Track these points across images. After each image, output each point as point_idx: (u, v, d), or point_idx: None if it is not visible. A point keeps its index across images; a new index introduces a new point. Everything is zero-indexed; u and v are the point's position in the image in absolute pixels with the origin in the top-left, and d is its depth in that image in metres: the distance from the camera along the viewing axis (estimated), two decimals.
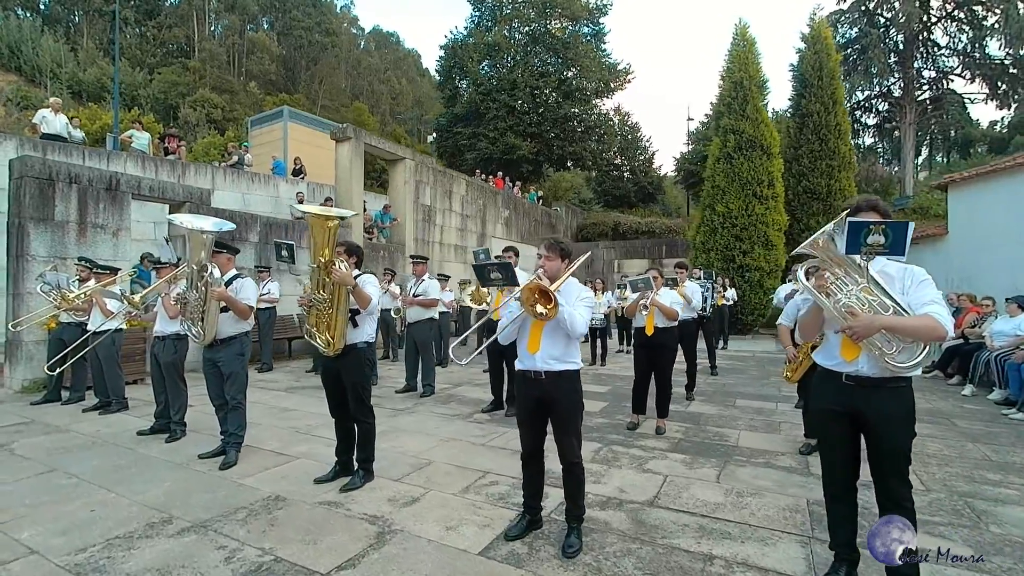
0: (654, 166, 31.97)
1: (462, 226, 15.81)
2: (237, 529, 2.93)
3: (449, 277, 10.69)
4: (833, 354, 2.38)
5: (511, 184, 20.17)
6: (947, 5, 33.85)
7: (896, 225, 2.20)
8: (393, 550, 2.70)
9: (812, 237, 2.36)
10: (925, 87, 35.07)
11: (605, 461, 4.10)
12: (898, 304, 2.24)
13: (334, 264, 3.35)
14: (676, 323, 4.98)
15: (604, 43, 23.67)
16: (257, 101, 38.96)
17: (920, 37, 34.28)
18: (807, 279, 2.38)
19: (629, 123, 31.14)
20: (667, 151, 73.90)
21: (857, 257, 2.29)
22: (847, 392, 2.31)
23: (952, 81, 35.26)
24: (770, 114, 15.88)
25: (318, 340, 3.52)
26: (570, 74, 22.60)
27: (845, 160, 14.92)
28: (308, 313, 3.54)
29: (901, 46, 34.94)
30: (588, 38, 23.36)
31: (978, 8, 33.23)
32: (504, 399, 5.73)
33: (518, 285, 2.73)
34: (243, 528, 2.94)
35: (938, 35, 34.86)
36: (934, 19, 34.16)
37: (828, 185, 14.69)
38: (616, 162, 28.49)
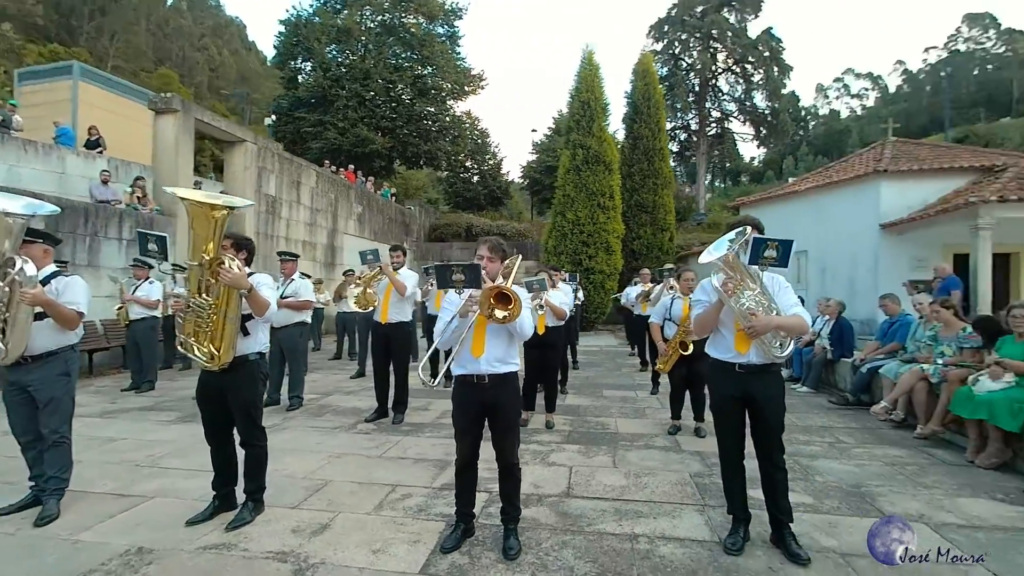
0: (502, 172, 33.32)
1: (311, 220, 14.54)
2: None
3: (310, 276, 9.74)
4: (728, 348, 2.79)
5: (363, 179, 19.18)
6: (728, 60, 41.76)
7: (785, 243, 2.69)
8: None
9: (721, 252, 2.71)
10: (713, 124, 42.79)
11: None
12: (778, 307, 2.73)
13: (223, 263, 2.83)
14: (564, 322, 5.29)
15: (459, 46, 23.89)
16: (14, 48, 30.67)
17: (710, 83, 41.80)
18: (717, 284, 2.75)
19: (479, 128, 31.95)
20: (512, 159, 77.36)
21: (756, 268, 2.74)
22: (740, 379, 2.74)
23: (731, 122, 43.62)
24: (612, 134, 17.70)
25: (197, 353, 2.94)
26: (426, 72, 22.32)
27: (667, 180, 17.41)
28: (184, 320, 2.93)
29: (697, 88, 42.02)
30: (443, 39, 23.33)
31: (748, 66, 41.58)
32: (390, 406, 5.44)
33: (480, 289, 2.63)
34: None
35: (722, 83, 42.88)
36: (720, 70, 41.86)
37: (654, 200, 16.98)
38: (467, 164, 28.95)
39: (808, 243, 12.40)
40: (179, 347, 3.02)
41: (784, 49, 38.89)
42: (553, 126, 35.22)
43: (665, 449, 4.44)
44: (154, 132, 10.14)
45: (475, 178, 31.11)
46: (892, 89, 72.47)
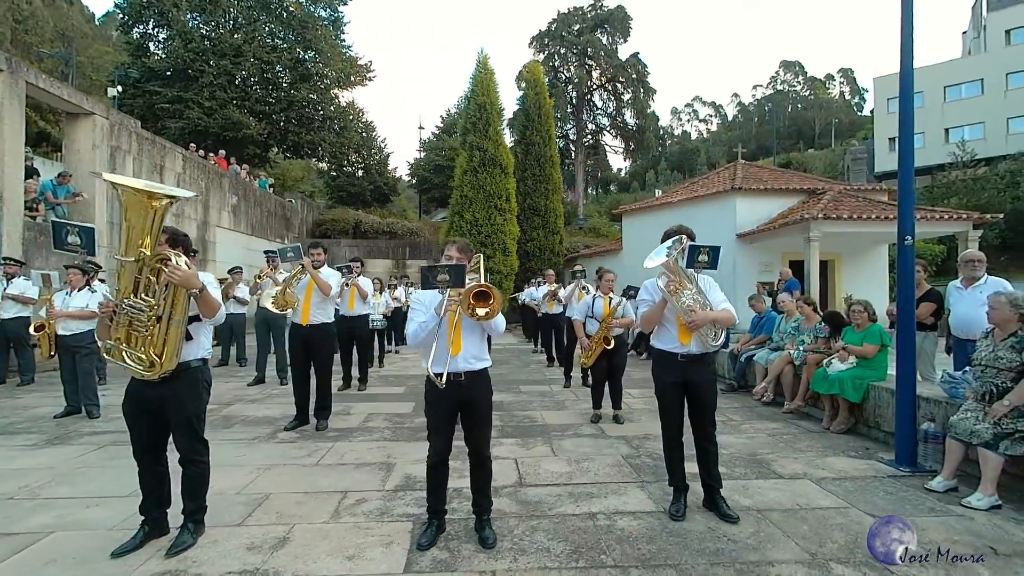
0: (389, 168, 32.34)
1: (177, 211, 12.83)
2: None
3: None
4: (672, 340, 3.20)
5: (237, 167, 17.36)
6: (601, 78, 45.25)
7: (715, 249, 3.18)
8: None
9: (662, 258, 3.10)
10: (589, 136, 46.05)
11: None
12: (711, 303, 3.21)
13: (169, 260, 2.53)
14: None
15: (343, 32, 22.69)
16: None
17: (586, 97, 44.94)
18: (661, 285, 3.14)
19: (363, 120, 30.67)
20: (398, 155, 75.37)
21: (692, 271, 3.18)
22: (682, 367, 3.16)
23: (604, 135, 47.34)
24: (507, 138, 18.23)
25: (130, 360, 2.58)
26: (307, 57, 20.83)
27: (556, 185, 18.43)
28: (113, 324, 2.56)
29: (575, 101, 44.90)
30: (325, 22, 21.99)
31: (619, 85, 45.44)
32: (312, 412, 5.14)
33: (462, 288, 2.67)
34: None
35: (597, 99, 46.36)
36: (595, 86, 45.18)
37: (546, 205, 17.87)
38: (352, 158, 27.62)
39: None
40: (104, 354, 2.62)
41: (649, 73, 43.10)
42: (441, 124, 35.18)
43: (593, 436, 4.83)
44: None
45: (360, 172, 29.79)
46: (730, 117, 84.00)
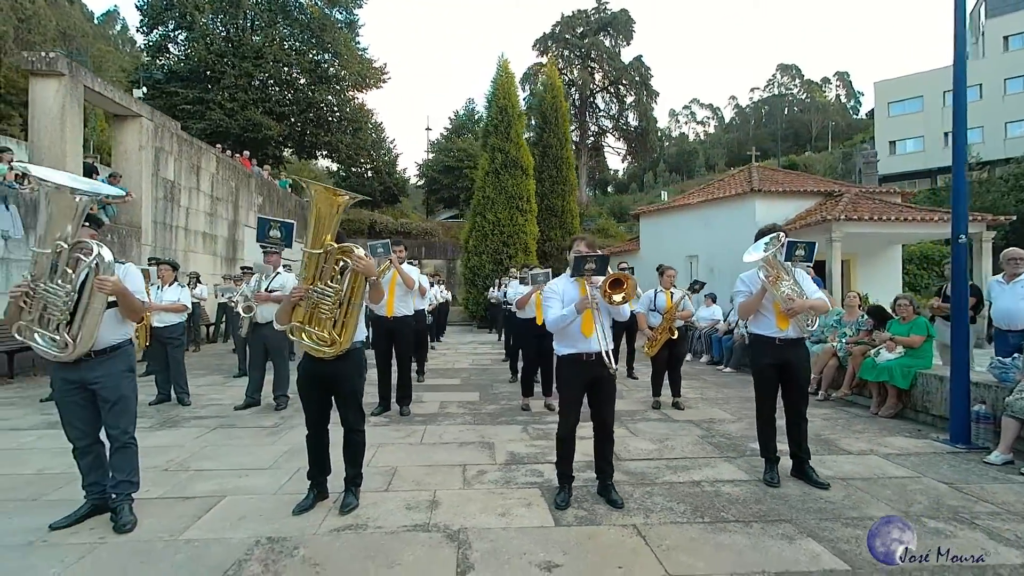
0: (398, 168, 32.66)
1: (211, 210, 13.16)
2: None
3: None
4: (770, 326, 3.55)
5: (259, 167, 17.64)
6: (604, 80, 45.74)
7: (811, 245, 3.57)
8: (485, 546, 2.64)
9: (761, 253, 3.49)
10: (591, 138, 46.48)
11: (545, 436, 4.61)
12: (806, 292, 3.59)
13: (353, 251, 2.88)
14: None
15: (359, 35, 23.01)
16: None
17: (589, 100, 45.40)
18: (763, 276, 3.52)
19: (373, 121, 30.98)
20: (406, 155, 75.38)
21: (789, 264, 3.56)
22: (779, 350, 3.53)
23: (606, 137, 47.81)
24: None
25: (311, 339, 2.93)
26: (325, 59, 21.14)
27: (572, 186, 18.82)
28: (300, 306, 2.91)
29: (578, 103, 45.30)
30: (342, 25, 22.31)
31: (622, 87, 45.91)
32: (394, 399, 5.48)
33: (602, 276, 3.04)
34: None
35: (599, 101, 46.82)
36: (598, 88, 45.64)
37: (562, 205, 18.25)
38: (362, 159, 27.92)
39: (698, 248, 14.48)
40: (289, 334, 2.98)
41: (653, 76, 43.63)
42: (450, 126, 35.55)
43: (663, 420, 5.21)
44: (31, 98, 8.50)
45: (369, 173, 30.08)
46: (727, 119, 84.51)
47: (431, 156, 33.89)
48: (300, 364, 3.10)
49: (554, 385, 5.88)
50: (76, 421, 2.87)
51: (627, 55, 44.95)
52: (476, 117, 34.97)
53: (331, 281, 2.91)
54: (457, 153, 31.18)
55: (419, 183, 34.69)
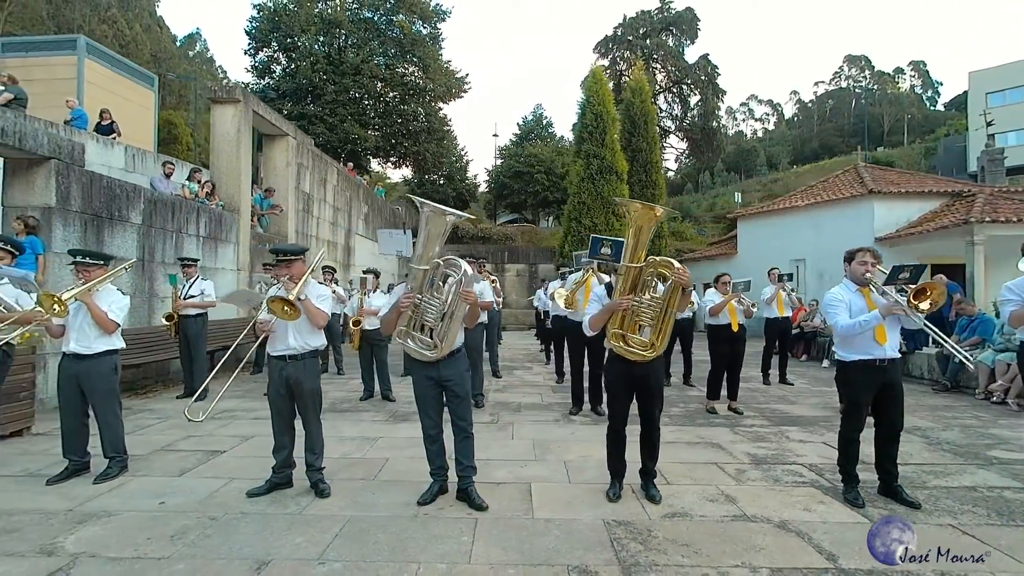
0: (468, 173, 33.51)
1: (334, 220, 14.08)
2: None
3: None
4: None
5: (359, 177, 18.66)
6: (667, 80, 45.08)
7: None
8: (829, 538, 2.87)
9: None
10: None
11: (762, 439, 4.79)
12: None
13: (673, 265, 3.20)
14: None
15: (441, 48, 23.87)
16: None
17: (651, 100, 44.83)
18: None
19: (448, 128, 31.91)
20: (476, 162, 76.79)
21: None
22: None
23: (668, 138, 47.09)
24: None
25: (631, 344, 3.27)
26: (415, 73, 22.09)
27: (661, 190, 18.79)
28: (634, 316, 3.24)
29: None
30: (427, 39, 23.22)
31: (685, 87, 45.11)
32: (589, 397, 5.81)
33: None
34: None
35: (661, 102, 46.20)
36: (659, 89, 45.03)
37: None
38: (442, 168, 28.85)
39: (806, 252, 14.17)
40: (611, 341, 3.32)
41: (720, 75, 42.67)
42: (519, 131, 36.05)
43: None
44: (212, 123, 9.48)
45: (441, 180, 30.99)
46: (787, 115, 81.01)
47: (500, 162, 34.51)
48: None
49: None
50: (432, 412, 3.33)
51: (691, 54, 44.17)
52: (545, 122, 35.32)
53: (650, 291, 3.24)
54: (527, 159, 31.61)
55: (485, 189, 35.38)
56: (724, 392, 5.98)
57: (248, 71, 23.09)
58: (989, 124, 17.34)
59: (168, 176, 8.82)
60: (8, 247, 3.67)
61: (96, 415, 3.60)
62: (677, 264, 3.24)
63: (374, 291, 6.42)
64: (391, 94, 21.71)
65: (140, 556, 2.60)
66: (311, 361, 3.46)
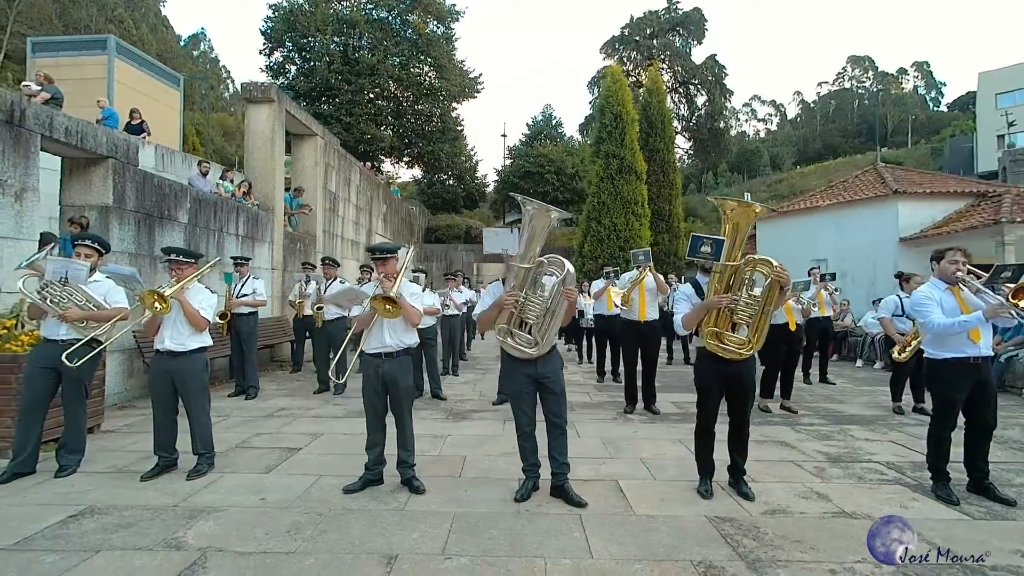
0: (477, 173, 33.52)
1: (356, 219, 14.12)
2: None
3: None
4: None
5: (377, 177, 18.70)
6: (673, 81, 45.08)
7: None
8: (942, 535, 2.90)
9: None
10: None
11: (825, 437, 4.82)
12: None
13: (771, 263, 3.23)
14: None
15: (455, 48, 23.89)
16: None
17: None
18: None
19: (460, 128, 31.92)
20: (485, 162, 76.55)
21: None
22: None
23: (675, 137, 47.01)
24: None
25: (727, 341, 3.29)
26: (430, 73, 22.12)
27: (677, 190, 18.84)
28: (731, 314, 3.27)
29: None
30: (441, 39, 23.24)
31: (691, 87, 45.13)
32: (643, 396, 5.83)
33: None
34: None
35: (668, 102, 46.14)
36: (666, 89, 44.97)
37: (669, 209, 18.30)
38: (453, 167, 28.86)
39: (828, 252, 14.19)
40: (707, 340, 3.35)
41: (727, 75, 42.73)
42: (528, 131, 36.09)
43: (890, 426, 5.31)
44: (247, 122, 9.50)
45: (451, 180, 31.01)
46: (791, 116, 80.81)
47: (509, 162, 34.53)
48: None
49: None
50: (528, 409, 3.36)
51: (698, 54, 44.21)
52: (554, 122, 35.33)
53: (749, 289, 3.27)
54: (537, 159, 31.62)
55: (493, 188, 35.42)
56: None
57: (263, 71, 23.14)
58: (1011, 124, 17.32)
59: (204, 175, 8.85)
60: (96, 245, 3.69)
61: (188, 412, 3.63)
62: (775, 262, 3.27)
63: (424, 290, 6.44)
64: (406, 94, 21.72)
65: (266, 551, 2.63)
66: (405, 359, 3.49)
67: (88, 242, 3.68)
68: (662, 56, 44.38)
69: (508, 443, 4.12)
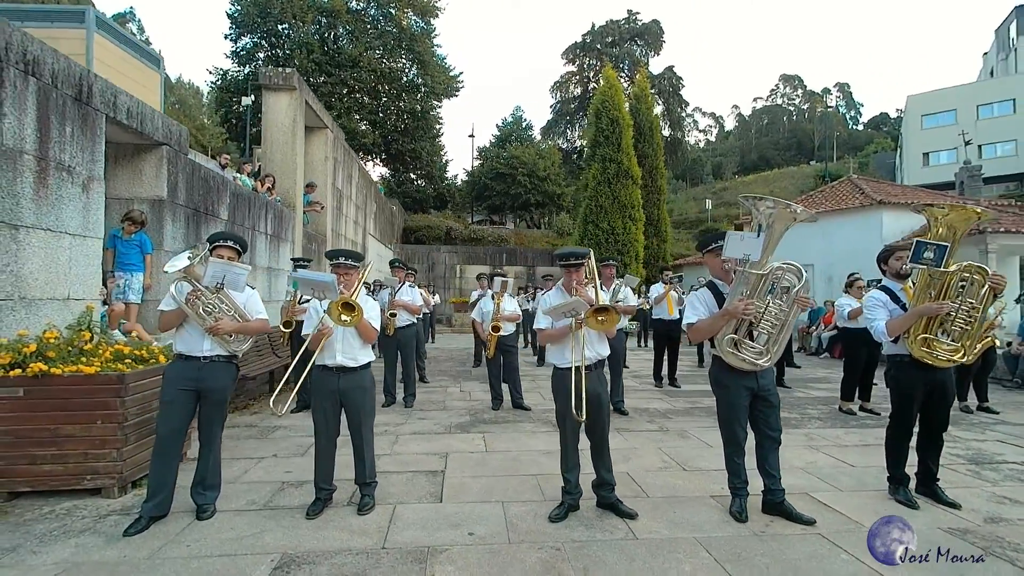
0: (447, 173, 32.91)
1: (356, 218, 13.36)
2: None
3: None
4: None
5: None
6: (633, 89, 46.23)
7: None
8: None
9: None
10: None
11: None
12: None
13: (987, 269, 3.24)
14: None
15: (435, 45, 23.31)
16: None
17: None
18: None
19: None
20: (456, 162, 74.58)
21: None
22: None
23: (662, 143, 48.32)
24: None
25: (937, 348, 3.28)
26: (412, 68, 21.41)
27: (664, 195, 19.30)
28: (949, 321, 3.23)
29: None
30: (423, 35, 22.60)
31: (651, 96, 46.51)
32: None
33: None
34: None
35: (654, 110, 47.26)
36: (626, 98, 46.12)
37: (657, 214, 18.70)
38: (425, 165, 28.10)
39: (815, 258, 14.99)
40: (919, 349, 3.30)
41: (684, 86, 44.48)
42: (498, 132, 35.83)
43: (983, 425, 5.62)
44: (265, 111, 8.69)
45: (421, 181, 30.22)
46: (728, 128, 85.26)
47: (479, 163, 34.16)
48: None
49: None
50: (746, 424, 3.19)
51: (655, 65, 45.75)
52: (524, 124, 35.31)
53: (970, 297, 3.26)
54: (509, 160, 31.46)
55: (470, 190, 34.92)
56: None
57: (228, 57, 21.44)
58: (967, 143, 19.16)
59: (224, 168, 8.00)
60: (235, 245, 3.14)
61: (359, 434, 3.16)
62: (990, 268, 3.29)
63: (504, 294, 6.10)
64: (387, 88, 20.92)
65: None
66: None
67: (230, 243, 3.13)
68: (622, 65, 45.53)
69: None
